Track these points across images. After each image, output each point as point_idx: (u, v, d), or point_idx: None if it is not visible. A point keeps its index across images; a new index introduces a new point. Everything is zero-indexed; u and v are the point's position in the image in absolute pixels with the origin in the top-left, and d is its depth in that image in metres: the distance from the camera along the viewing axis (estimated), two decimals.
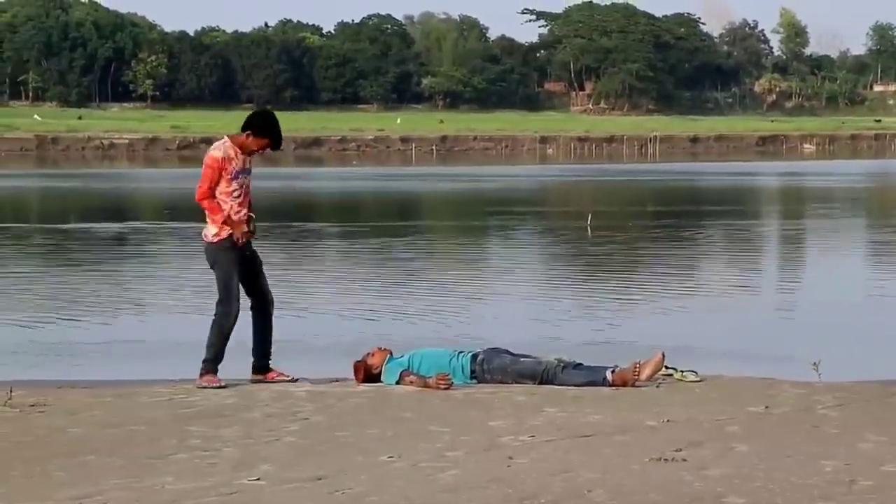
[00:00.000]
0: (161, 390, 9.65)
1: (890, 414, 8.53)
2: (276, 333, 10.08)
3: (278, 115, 9.99)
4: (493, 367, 9.74)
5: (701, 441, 7.59)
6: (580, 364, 9.81)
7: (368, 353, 10.01)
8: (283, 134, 9.80)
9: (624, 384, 9.47)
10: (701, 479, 6.65)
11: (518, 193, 47.19)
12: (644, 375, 9.55)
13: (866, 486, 6.53)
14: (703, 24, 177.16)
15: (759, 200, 44.93)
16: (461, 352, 9.94)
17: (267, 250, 21.68)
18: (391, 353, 9.96)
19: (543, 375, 9.63)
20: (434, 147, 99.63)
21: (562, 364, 9.71)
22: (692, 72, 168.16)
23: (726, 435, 7.79)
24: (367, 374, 9.89)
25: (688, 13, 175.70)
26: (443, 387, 9.39)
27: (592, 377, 9.59)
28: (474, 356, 9.84)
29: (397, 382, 9.67)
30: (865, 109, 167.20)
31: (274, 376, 9.94)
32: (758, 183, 56.35)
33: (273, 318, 10.00)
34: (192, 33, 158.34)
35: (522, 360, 9.81)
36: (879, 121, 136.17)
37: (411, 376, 9.65)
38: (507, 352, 9.95)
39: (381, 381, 9.77)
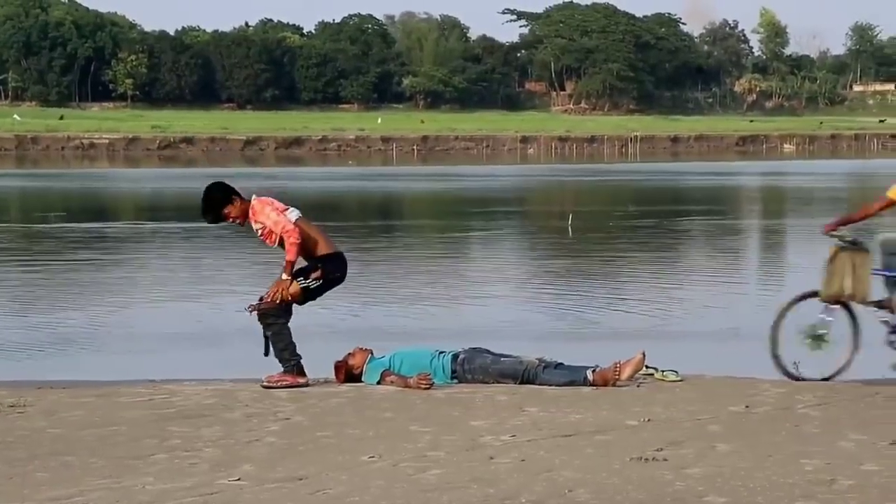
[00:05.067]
0: (141, 390, 9.63)
1: (870, 413, 8.55)
2: (255, 334, 10.02)
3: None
4: (474, 367, 9.74)
5: (682, 440, 7.59)
6: (561, 364, 9.81)
7: (349, 354, 10.00)
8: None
9: (605, 384, 9.48)
10: (682, 479, 6.66)
11: (501, 193, 47.19)
12: (625, 375, 9.56)
13: (847, 485, 6.54)
14: (684, 24, 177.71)
15: (740, 199, 45.02)
16: (442, 352, 9.94)
17: (251, 248, 21.65)
18: (372, 354, 9.95)
19: (524, 375, 9.63)
20: (415, 147, 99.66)
21: (542, 364, 9.71)
22: (672, 72, 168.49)
23: (707, 434, 7.79)
24: (348, 374, 9.89)
25: (668, 13, 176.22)
26: (424, 387, 9.39)
27: (573, 377, 9.59)
28: (455, 356, 9.83)
29: (378, 382, 9.67)
30: (845, 109, 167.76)
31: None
32: (738, 182, 56.46)
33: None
34: (172, 33, 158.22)
35: (503, 359, 9.81)
36: (884, 121, 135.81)
37: (392, 376, 9.65)
38: (488, 351, 9.95)
39: (363, 382, 9.77)
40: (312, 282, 9.74)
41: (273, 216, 9.67)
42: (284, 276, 9.65)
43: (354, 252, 22.97)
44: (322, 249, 9.82)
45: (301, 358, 9.74)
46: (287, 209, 9.79)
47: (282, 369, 9.72)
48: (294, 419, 8.43)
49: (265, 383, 9.63)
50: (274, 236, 9.71)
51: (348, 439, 7.77)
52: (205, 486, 6.63)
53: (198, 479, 6.81)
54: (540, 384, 9.52)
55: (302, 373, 9.73)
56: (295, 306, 9.82)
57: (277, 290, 9.65)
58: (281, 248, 9.73)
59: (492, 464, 7.06)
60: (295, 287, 9.68)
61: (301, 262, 9.77)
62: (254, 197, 9.85)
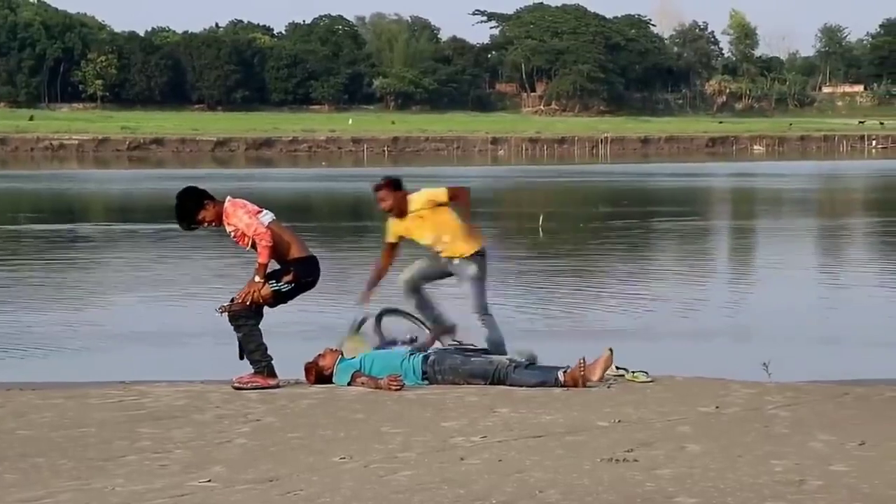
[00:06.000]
0: (112, 392, 9.60)
1: (839, 414, 8.58)
2: (226, 335, 10.00)
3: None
4: (444, 368, 9.74)
5: (652, 441, 7.61)
6: (532, 364, 9.82)
7: (319, 355, 9.99)
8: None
9: (575, 384, 9.48)
10: (652, 479, 6.67)
11: (472, 195, 47.14)
12: (595, 375, 9.56)
13: (816, 485, 6.56)
14: (654, 25, 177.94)
15: (709, 200, 45.14)
16: (413, 353, 9.94)
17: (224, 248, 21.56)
18: (342, 354, 9.95)
19: (495, 375, 9.64)
20: (386, 148, 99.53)
21: (513, 364, 9.72)
22: (643, 73, 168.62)
23: (677, 435, 7.81)
24: (319, 375, 9.87)
25: (638, 14, 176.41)
26: (394, 388, 9.39)
27: (544, 377, 9.60)
28: (426, 357, 9.84)
29: (349, 384, 9.66)
30: (814, 111, 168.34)
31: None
32: (708, 183, 56.60)
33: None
34: (142, 33, 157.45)
35: (474, 360, 9.81)
36: (863, 121, 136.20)
37: (363, 377, 9.64)
38: (458, 351, 9.95)
39: (333, 383, 9.76)
40: (284, 285, 9.74)
41: (245, 219, 9.66)
42: (257, 279, 9.64)
43: (325, 252, 22.95)
44: (295, 253, 9.81)
45: (272, 359, 9.73)
46: (261, 212, 9.78)
47: (252, 370, 9.71)
48: (265, 420, 8.42)
49: (235, 384, 9.62)
50: (247, 239, 9.70)
51: (319, 440, 7.76)
52: (175, 488, 6.62)
53: (168, 480, 6.80)
54: (511, 385, 9.53)
55: (273, 374, 9.72)
56: (266, 308, 9.82)
57: (249, 292, 9.64)
58: (254, 251, 9.72)
59: (463, 465, 7.06)
60: (266, 289, 9.67)
61: (274, 265, 9.77)
62: (227, 199, 9.83)
